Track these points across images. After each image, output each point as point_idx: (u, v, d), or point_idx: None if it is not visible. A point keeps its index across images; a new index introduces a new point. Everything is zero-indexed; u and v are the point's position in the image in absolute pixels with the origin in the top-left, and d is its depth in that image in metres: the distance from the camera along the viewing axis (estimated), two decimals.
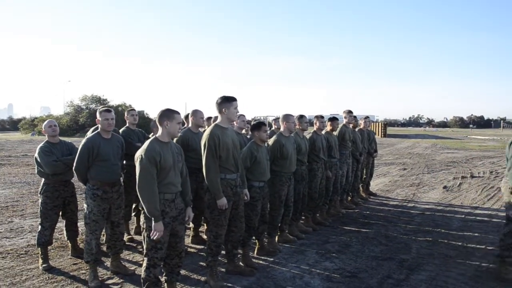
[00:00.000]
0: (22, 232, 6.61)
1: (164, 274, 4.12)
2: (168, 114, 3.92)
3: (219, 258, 4.82)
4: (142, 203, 3.75)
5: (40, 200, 5.19)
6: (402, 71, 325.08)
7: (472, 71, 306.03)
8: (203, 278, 4.77)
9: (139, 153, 3.80)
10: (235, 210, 4.68)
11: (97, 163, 4.55)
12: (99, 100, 47.29)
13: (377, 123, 46.30)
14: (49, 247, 5.34)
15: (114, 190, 4.74)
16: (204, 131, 6.19)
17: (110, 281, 4.72)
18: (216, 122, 4.58)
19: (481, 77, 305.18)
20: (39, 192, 5.24)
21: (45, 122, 5.25)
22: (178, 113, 4.02)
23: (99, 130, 4.77)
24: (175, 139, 4.70)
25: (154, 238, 3.72)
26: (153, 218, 3.72)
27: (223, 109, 4.49)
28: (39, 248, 5.20)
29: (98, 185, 4.59)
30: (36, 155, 5.15)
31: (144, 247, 3.93)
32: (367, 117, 9.92)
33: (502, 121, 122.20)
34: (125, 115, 6.18)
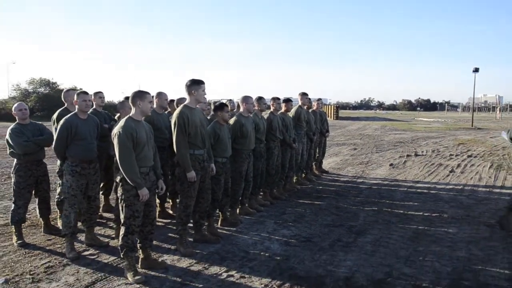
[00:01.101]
0: None
1: (138, 241, 4.53)
2: (140, 95, 4.32)
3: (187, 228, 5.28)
4: (125, 175, 4.16)
5: (13, 180, 5.43)
6: (354, 55, 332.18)
7: (420, 56, 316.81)
8: (173, 247, 5.22)
9: (116, 130, 4.19)
10: (202, 183, 5.14)
11: (75, 142, 4.88)
12: (48, 84, 45.91)
13: (329, 106, 47.58)
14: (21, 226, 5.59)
15: (91, 167, 5.09)
16: (167, 112, 6.62)
17: (86, 253, 5.08)
18: (185, 102, 5.00)
19: (429, 62, 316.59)
20: (11, 172, 5.48)
21: (15, 105, 5.47)
22: (148, 93, 4.42)
23: (76, 111, 5.06)
24: None
25: (143, 200, 4.24)
26: (138, 186, 4.19)
27: (192, 91, 4.92)
28: (13, 226, 5.44)
29: (77, 162, 4.93)
30: (7, 137, 5.37)
31: (122, 216, 4.34)
32: (319, 99, 10.53)
33: (446, 104, 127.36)
34: (92, 97, 6.41)
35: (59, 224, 6.00)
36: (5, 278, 4.35)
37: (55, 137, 4.94)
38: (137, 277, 4.26)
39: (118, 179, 4.32)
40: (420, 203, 7.63)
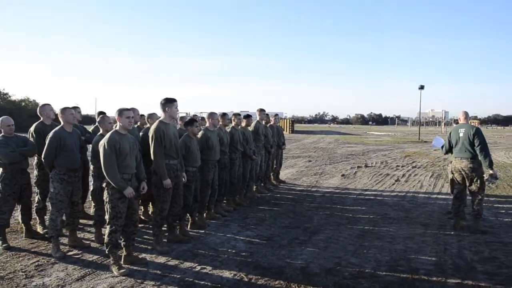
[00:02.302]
0: None
1: (122, 240, 5.14)
2: (119, 112, 4.99)
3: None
4: (109, 180, 4.79)
5: None
6: (309, 70, 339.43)
7: (373, 73, 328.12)
8: (149, 247, 5.84)
9: (102, 142, 4.86)
10: (175, 190, 5.81)
11: (63, 153, 5.45)
12: None
13: (285, 120, 48.75)
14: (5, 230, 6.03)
15: (76, 175, 5.68)
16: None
17: (70, 253, 5.62)
18: (160, 118, 5.69)
19: (381, 78, 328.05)
20: None
21: (3, 120, 5.89)
22: (127, 109, 5.09)
23: (62, 124, 5.62)
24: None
25: (130, 196, 4.93)
26: (122, 188, 4.87)
27: (166, 108, 5.62)
28: None
29: (64, 171, 5.50)
30: None
31: (107, 217, 4.96)
32: (276, 115, 11.39)
33: (397, 119, 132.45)
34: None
35: (39, 229, 6.50)
36: (0, 275, 4.85)
37: (45, 148, 5.47)
38: (121, 271, 4.87)
39: (104, 184, 4.94)
40: (367, 208, 8.56)
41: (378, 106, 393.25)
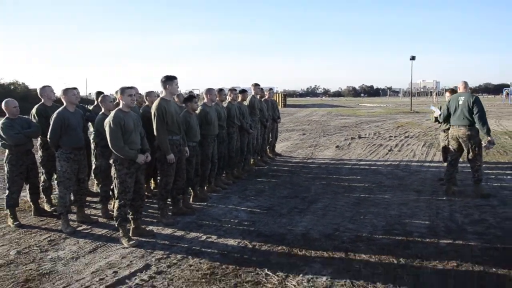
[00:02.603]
0: None
1: (130, 214, 5.37)
2: (121, 91, 5.17)
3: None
4: (118, 154, 5.01)
5: (6, 169, 6.08)
6: (299, 43, 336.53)
7: (363, 44, 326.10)
8: (155, 220, 6.09)
9: (107, 121, 5.05)
10: (178, 164, 6.03)
11: (68, 132, 5.63)
12: None
13: (277, 94, 48.75)
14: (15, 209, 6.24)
15: (81, 153, 5.88)
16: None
17: (80, 228, 5.86)
18: (161, 96, 5.87)
19: (371, 49, 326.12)
20: (4, 161, 6.12)
21: (8, 102, 6.04)
22: (129, 88, 5.27)
23: (65, 105, 5.78)
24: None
25: (142, 163, 5.24)
26: (134, 157, 5.14)
27: (167, 86, 5.80)
28: (8, 210, 6.11)
29: (70, 150, 5.69)
30: None
31: (115, 192, 5.19)
32: (271, 89, 11.56)
33: (388, 90, 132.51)
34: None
35: (46, 207, 6.72)
36: (16, 250, 5.08)
37: (50, 129, 5.64)
38: (131, 242, 5.13)
39: (111, 161, 5.14)
40: (362, 177, 8.85)
41: (370, 78, 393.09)
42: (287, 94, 61.72)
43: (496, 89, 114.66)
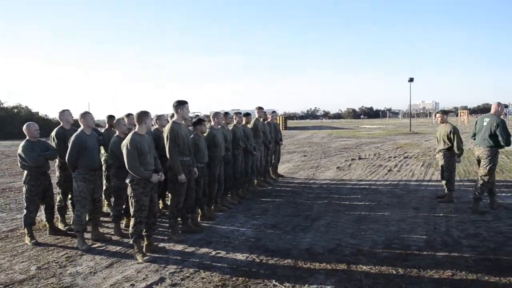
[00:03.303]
0: None
1: (144, 231, 5.69)
2: (146, 114, 5.57)
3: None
4: (135, 175, 5.36)
5: (24, 189, 6.41)
6: (299, 66, 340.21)
7: (363, 66, 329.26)
8: (166, 237, 6.40)
9: (125, 143, 5.40)
10: (188, 184, 6.37)
11: (84, 154, 5.99)
12: None
13: (278, 117, 49.31)
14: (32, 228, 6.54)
15: (97, 174, 6.23)
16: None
17: (95, 246, 6.16)
18: (173, 119, 6.25)
19: (371, 71, 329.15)
20: (23, 182, 6.45)
21: (29, 126, 6.38)
22: (149, 113, 5.65)
23: (82, 128, 6.16)
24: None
25: (156, 182, 5.61)
26: (148, 177, 5.48)
27: (178, 110, 6.19)
28: (25, 228, 6.42)
29: (86, 170, 6.03)
30: (20, 152, 6.33)
31: (132, 210, 5.51)
32: (274, 112, 11.99)
33: (388, 112, 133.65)
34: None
35: (60, 226, 7.03)
36: (36, 266, 5.39)
37: (68, 151, 5.99)
38: (145, 258, 5.44)
39: (127, 181, 5.49)
40: (362, 196, 9.18)
41: (369, 99, 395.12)
42: (287, 117, 62.30)
43: None
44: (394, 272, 4.84)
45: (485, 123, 7.49)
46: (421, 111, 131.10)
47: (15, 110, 47.46)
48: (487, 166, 7.36)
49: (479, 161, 7.57)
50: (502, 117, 7.68)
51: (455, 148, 8.15)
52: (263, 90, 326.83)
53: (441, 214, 7.35)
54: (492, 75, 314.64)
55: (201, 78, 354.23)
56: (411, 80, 35.85)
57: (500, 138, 7.21)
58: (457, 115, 69.63)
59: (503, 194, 8.75)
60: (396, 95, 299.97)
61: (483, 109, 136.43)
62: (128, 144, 5.37)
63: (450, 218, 7.07)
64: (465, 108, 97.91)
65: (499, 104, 7.61)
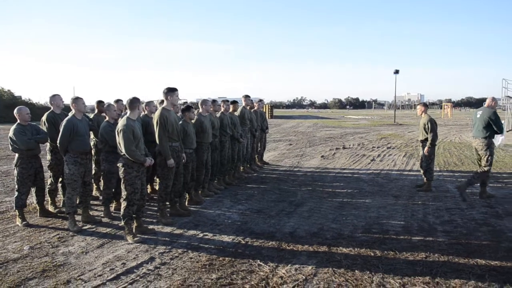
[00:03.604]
0: None
1: (133, 212, 5.89)
2: (137, 101, 5.75)
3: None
4: (131, 158, 5.55)
5: (16, 171, 6.55)
6: (286, 55, 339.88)
7: (350, 57, 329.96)
8: (155, 220, 6.61)
9: (120, 127, 5.57)
10: (177, 169, 6.58)
11: (76, 138, 6.15)
12: None
13: (264, 105, 49.50)
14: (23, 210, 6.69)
15: (87, 157, 6.40)
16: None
17: (85, 227, 6.35)
18: (163, 105, 6.43)
19: (358, 62, 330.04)
20: (14, 165, 6.59)
21: (21, 110, 6.51)
22: (139, 99, 5.83)
23: (74, 113, 6.31)
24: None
25: (149, 165, 5.82)
26: (143, 161, 5.71)
27: (168, 97, 6.38)
28: (17, 210, 6.57)
29: (77, 154, 6.20)
30: (11, 135, 6.46)
31: (124, 193, 5.70)
32: (260, 100, 12.17)
33: (374, 103, 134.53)
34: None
35: (50, 209, 7.19)
36: (28, 246, 5.56)
37: (60, 135, 6.15)
38: (136, 238, 5.65)
39: (120, 164, 5.67)
40: (345, 184, 9.48)
41: (356, 90, 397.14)
42: (273, 106, 62.53)
43: (478, 103, 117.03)
44: (372, 254, 5.13)
45: (478, 116, 7.98)
46: (407, 103, 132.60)
47: None
48: (485, 156, 7.85)
49: (477, 153, 8.01)
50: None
51: (428, 139, 8.61)
52: (250, 79, 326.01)
53: (419, 202, 7.68)
54: (475, 69, 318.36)
55: (186, 67, 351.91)
56: (396, 72, 36.32)
57: (494, 128, 7.73)
58: (441, 108, 70.55)
59: (477, 185, 9.10)
60: (382, 86, 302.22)
61: (466, 102, 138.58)
62: (125, 129, 5.54)
63: (427, 206, 7.40)
64: (449, 101, 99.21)
65: (493, 98, 8.13)
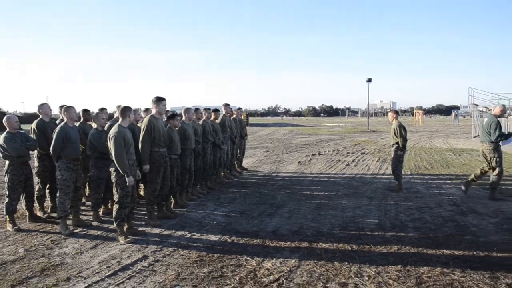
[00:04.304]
0: None
1: (125, 215, 6.20)
2: (129, 109, 6.08)
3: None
4: (118, 167, 5.84)
5: (6, 178, 6.76)
6: (258, 63, 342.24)
7: (324, 65, 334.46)
8: (143, 223, 6.92)
9: (112, 134, 5.88)
10: (164, 173, 6.92)
11: (68, 145, 6.43)
12: None
13: (242, 113, 49.95)
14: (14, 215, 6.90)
15: (78, 164, 6.68)
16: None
17: (76, 231, 6.61)
18: (152, 113, 6.79)
19: (331, 70, 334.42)
20: (5, 172, 6.80)
21: (9, 118, 6.73)
22: (130, 108, 6.16)
23: (66, 121, 6.60)
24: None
25: (128, 185, 5.87)
26: (127, 175, 5.87)
27: (156, 105, 6.73)
28: (7, 216, 6.78)
29: (69, 160, 6.48)
30: (1, 143, 6.65)
31: (117, 196, 6.01)
32: (239, 108, 12.60)
33: (347, 110, 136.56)
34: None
35: (39, 214, 7.41)
36: (23, 248, 5.81)
37: (53, 141, 6.42)
38: (128, 239, 5.96)
39: (112, 169, 5.98)
40: (322, 187, 9.96)
41: (329, 98, 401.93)
42: (249, 114, 63.06)
43: (447, 110, 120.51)
44: (349, 248, 5.58)
45: (484, 122, 8.55)
46: (379, 110, 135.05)
47: None
48: (493, 159, 8.35)
49: (485, 156, 8.51)
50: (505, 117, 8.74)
51: (399, 143, 9.19)
52: (224, 87, 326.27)
53: (391, 202, 8.20)
54: (445, 78, 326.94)
55: (159, 76, 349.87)
56: (369, 80, 37.28)
57: (492, 134, 8.24)
58: (412, 115, 72.31)
59: (446, 186, 9.72)
60: (356, 94, 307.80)
61: (437, 110, 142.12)
62: (116, 135, 5.86)
63: (399, 206, 7.92)
64: (420, 108, 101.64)
65: (501, 107, 8.83)
